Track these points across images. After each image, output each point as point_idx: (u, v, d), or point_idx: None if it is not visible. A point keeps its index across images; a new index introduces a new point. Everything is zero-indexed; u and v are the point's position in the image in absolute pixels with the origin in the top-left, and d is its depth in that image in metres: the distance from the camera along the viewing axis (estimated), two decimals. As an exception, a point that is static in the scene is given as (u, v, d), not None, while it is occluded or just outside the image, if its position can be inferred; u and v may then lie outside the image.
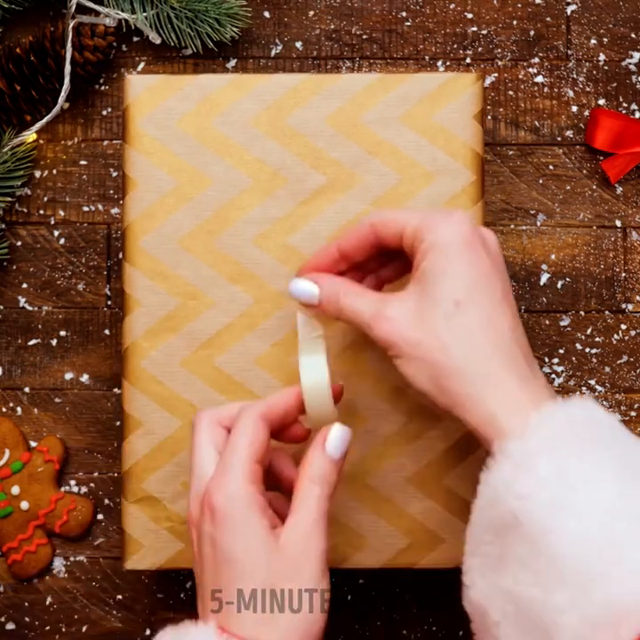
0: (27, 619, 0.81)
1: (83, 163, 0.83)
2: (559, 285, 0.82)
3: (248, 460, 0.62)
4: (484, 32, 0.83)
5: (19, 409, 0.82)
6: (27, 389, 0.82)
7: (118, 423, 0.81)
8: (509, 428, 0.59)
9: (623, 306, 0.81)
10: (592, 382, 0.81)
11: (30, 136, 0.81)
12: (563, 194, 0.82)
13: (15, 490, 0.80)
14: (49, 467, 0.80)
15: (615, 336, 0.81)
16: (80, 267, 0.82)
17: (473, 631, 0.61)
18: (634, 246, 0.82)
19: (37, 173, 0.82)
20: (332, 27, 0.83)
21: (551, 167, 0.82)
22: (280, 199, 0.73)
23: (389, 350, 0.63)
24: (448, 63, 0.82)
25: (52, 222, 0.82)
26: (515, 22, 0.83)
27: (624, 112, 0.82)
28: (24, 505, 0.80)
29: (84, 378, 0.82)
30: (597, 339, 0.81)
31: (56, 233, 0.82)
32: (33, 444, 0.81)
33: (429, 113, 0.73)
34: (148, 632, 0.81)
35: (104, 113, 0.83)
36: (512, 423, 0.59)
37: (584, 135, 0.82)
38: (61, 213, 0.82)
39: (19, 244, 0.82)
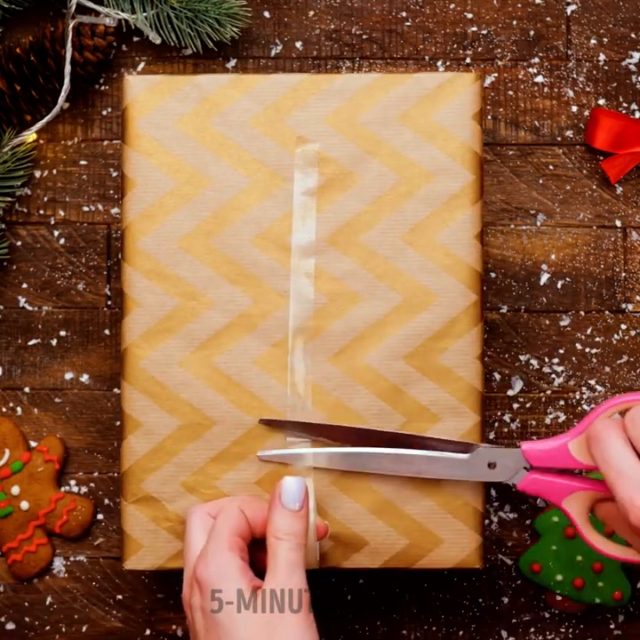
0: (27, 619, 0.81)
1: (83, 163, 0.83)
2: (559, 285, 0.82)
3: (228, 534, 0.65)
4: (484, 32, 0.83)
5: (19, 409, 0.82)
6: (27, 389, 0.82)
7: (118, 423, 0.81)
8: None
9: (623, 306, 0.81)
10: (592, 382, 0.81)
11: (30, 136, 0.81)
12: (563, 194, 0.82)
13: (15, 490, 0.80)
14: (49, 467, 0.80)
15: (615, 336, 0.81)
16: (80, 267, 0.82)
17: None
18: (634, 246, 0.82)
19: (37, 173, 0.82)
20: (332, 27, 0.83)
21: (551, 167, 0.82)
22: (279, 199, 0.73)
23: None
24: (448, 63, 0.82)
25: (52, 222, 0.82)
26: (515, 22, 0.83)
27: (624, 112, 0.82)
28: (24, 505, 0.80)
29: (84, 378, 0.82)
30: (597, 339, 0.81)
31: (56, 233, 0.82)
32: (33, 444, 0.81)
33: (428, 113, 0.73)
34: (148, 632, 0.81)
35: (104, 113, 0.83)
36: None
37: (584, 135, 0.82)
38: (61, 213, 0.82)
39: (19, 243, 0.82)
